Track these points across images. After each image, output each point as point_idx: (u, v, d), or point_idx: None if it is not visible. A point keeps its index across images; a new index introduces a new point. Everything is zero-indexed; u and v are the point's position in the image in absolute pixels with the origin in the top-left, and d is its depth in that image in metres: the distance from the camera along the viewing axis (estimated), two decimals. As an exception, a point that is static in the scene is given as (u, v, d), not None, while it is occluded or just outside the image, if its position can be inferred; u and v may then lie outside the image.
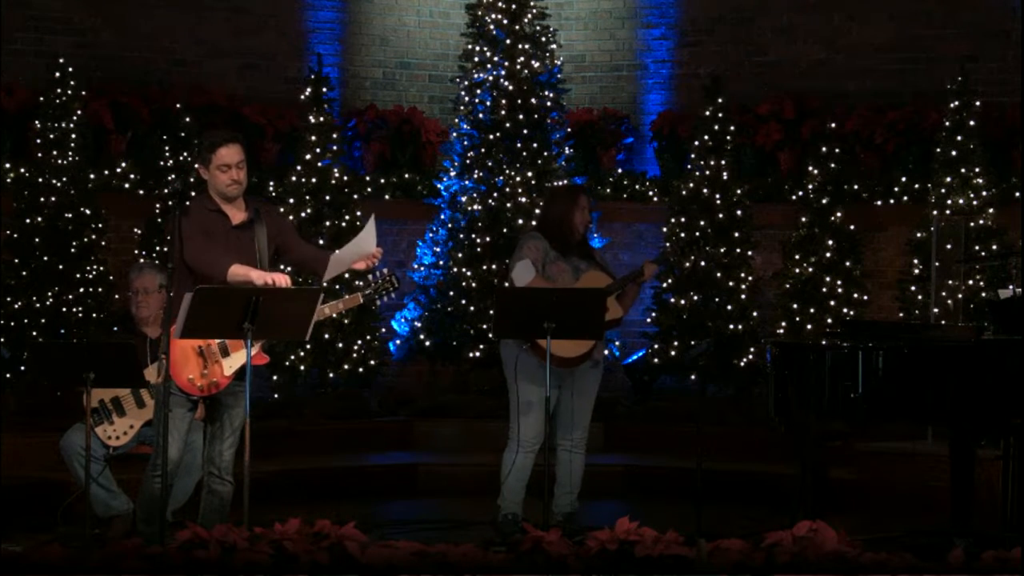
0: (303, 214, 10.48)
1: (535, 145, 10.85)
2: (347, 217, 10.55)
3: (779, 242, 10.78)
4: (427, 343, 10.78)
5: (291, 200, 10.52)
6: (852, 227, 10.53)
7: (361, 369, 10.47)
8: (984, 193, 10.05)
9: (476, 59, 11.04)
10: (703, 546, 5.58)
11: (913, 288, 10.13)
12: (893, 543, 6.89)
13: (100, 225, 10.03)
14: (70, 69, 10.00)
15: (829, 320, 10.22)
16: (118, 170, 10.43)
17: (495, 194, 10.59)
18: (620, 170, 11.58)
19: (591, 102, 11.94)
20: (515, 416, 7.31)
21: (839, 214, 10.49)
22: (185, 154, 10.11)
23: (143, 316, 7.71)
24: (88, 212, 9.94)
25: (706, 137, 10.70)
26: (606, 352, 10.84)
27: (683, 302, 10.54)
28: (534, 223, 8.05)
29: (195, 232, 6.42)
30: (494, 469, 7.55)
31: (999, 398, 6.53)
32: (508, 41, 10.95)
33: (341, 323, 10.31)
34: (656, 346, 10.64)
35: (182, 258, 6.39)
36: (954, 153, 10.09)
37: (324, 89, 10.69)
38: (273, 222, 6.67)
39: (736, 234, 10.59)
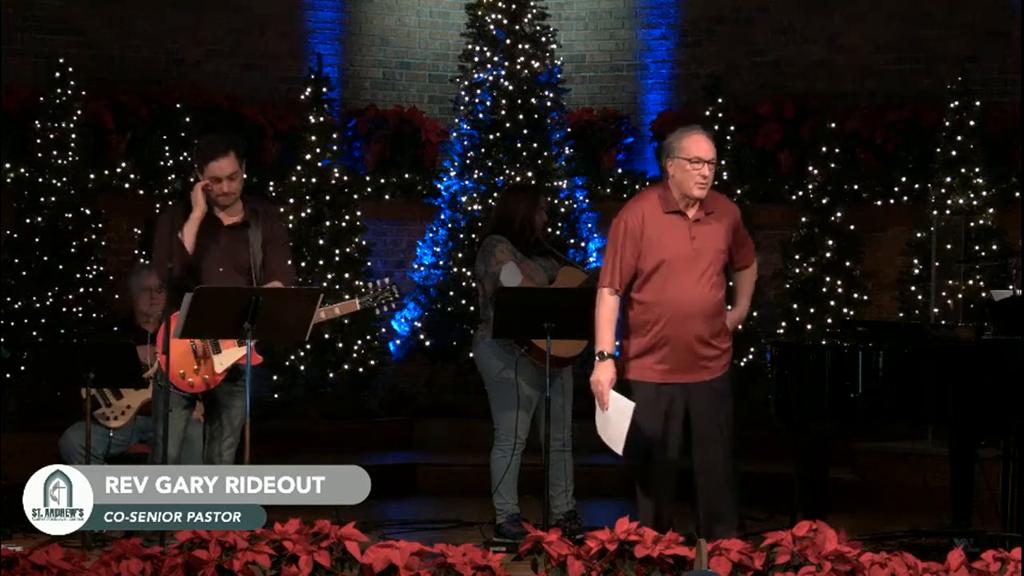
0: (303, 214, 10.48)
1: (535, 145, 10.85)
2: (347, 217, 10.56)
3: (779, 242, 10.77)
4: (427, 343, 10.78)
5: (291, 200, 10.52)
6: (852, 227, 10.53)
7: (361, 369, 10.47)
8: (984, 193, 10.05)
9: (476, 59, 11.05)
10: (703, 546, 5.58)
11: (913, 288, 10.13)
12: (893, 543, 6.90)
13: (100, 225, 10.04)
14: (70, 69, 10.01)
15: (829, 320, 10.21)
16: (118, 170, 10.43)
17: (495, 194, 10.58)
18: (620, 170, 11.58)
19: (591, 102, 11.93)
20: (509, 417, 7.30)
21: (839, 214, 10.49)
22: (185, 154, 10.11)
23: (157, 314, 7.67)
24: (88, 212, 9.94)
25: (706, 137, 10.68)
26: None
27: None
28: (487, 224, 8.01)
29: (169, 245, 6.41)
30: (493, 469, 7.55)
31: (999, 398, 6.52)
32: (508, 41, 10.96)
33: (341, 323, 10.31)
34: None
35: (181, 259, 6.41)
36: (954, 153, 10.09)
37: (324, 89, 10.70)
38: (268, 228, 6.64)
39: (736, 234, 10.58)
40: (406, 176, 11.35)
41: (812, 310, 10.36)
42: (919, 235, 10.18)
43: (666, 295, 6.27)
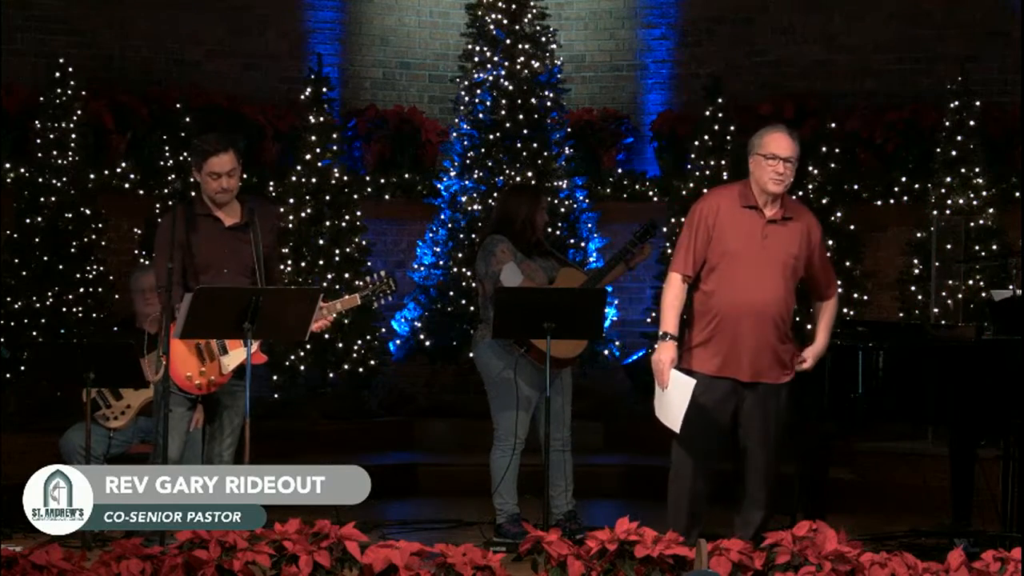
0: (303, 214, 10.48)
1: (535, 145, 10.85)
2: (347, 217, 10.56)
3: (779, 242, 10.76)
4: (427, 343, 10.78)
5: (291, 200, 10.53)
6: (852, 227, 10.53)
7: (361, 369, 10.46)
8: (984, 193, 10.05)
9: (476, 59, 11.05)
10: (703, 546, 5.58)
11: (913, 288, 10.13)
12: (893, 543, 6.91)
13: (100, 225, 10.04)
14: (70, 69, 10.01)
15: (829, 320, 10.20)
16: (118, 170, 10.43)
17: (495, 194, 10.58)
18: (620, 170, 11.58)
19: (591, 102, 11.94)
20: (508, 417, 7.30)
21: (839, 214, 10.50)
22: (185, 154, 10.11)
23: (154, 315, 7.67)
24: (88, 212, 9.95)
25: (706, 137, 10.70)
26: (606, 352, 10.91)
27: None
28: (487, 224, 8.01)
29: (170, 246, 6.41)
30: (493, 469, 7.55)
31: (999, 398, 6.53)
32: (508, 41, 10.96)
33: (341, 323, 10.31)
34: (656, 346, 10.60)
35: (182, 259, 6.41)
36: (954, 153, 10.09)
37: (324, 89, 10.70)
38: (266, 227, 6.65)
39: (736, 234, 10.58)
40: (406, 176, 11.35)
41: (812, 310, 10.33)
42: (919, 235, 10.18)
43: (728, 288, 6.27)
